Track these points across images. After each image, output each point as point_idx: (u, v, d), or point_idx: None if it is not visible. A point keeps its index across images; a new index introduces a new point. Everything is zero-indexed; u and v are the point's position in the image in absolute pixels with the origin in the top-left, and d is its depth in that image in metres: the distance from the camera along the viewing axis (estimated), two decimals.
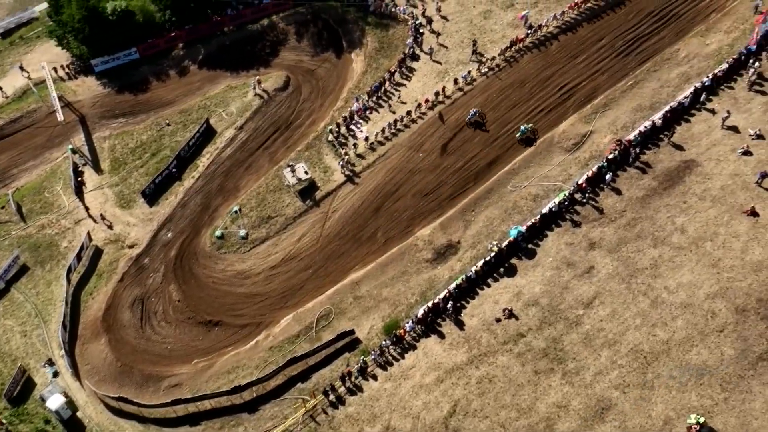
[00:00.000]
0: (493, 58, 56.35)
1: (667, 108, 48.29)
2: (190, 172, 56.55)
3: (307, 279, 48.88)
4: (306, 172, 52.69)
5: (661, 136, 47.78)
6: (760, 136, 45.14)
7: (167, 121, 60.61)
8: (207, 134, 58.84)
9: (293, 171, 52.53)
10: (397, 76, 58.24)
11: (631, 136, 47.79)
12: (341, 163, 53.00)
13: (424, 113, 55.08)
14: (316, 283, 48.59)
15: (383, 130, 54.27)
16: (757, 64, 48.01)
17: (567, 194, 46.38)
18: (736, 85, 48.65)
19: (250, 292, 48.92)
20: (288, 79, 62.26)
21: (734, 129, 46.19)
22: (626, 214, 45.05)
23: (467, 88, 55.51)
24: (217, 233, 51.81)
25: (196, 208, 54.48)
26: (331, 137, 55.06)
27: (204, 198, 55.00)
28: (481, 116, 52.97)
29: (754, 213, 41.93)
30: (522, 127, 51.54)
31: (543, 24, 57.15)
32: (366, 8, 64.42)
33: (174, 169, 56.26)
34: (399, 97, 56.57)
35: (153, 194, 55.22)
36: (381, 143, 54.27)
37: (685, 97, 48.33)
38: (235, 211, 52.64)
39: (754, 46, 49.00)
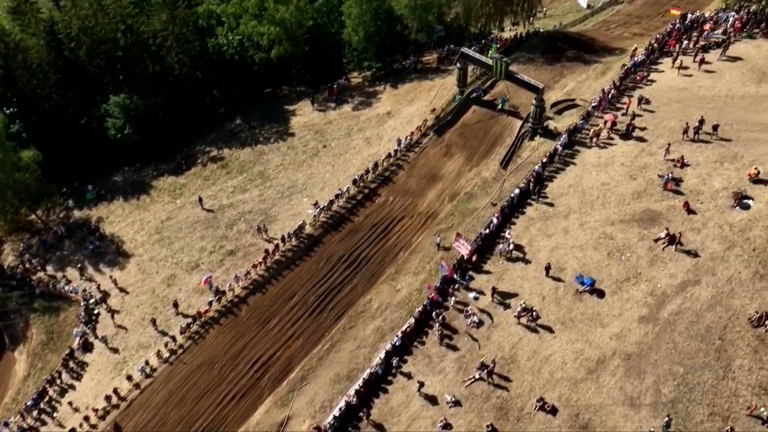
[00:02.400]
0: (174, 338, 48.88)
1: (360, 381, 43.06)
2: None
3: None
4: None
5: (360, 414, 42.07)
6: (457, 403, 40.83)
7: None
8: None
9: None
10: (65, 376, 48.47)
11: (328, 421, 41.58)
12: None
13: (95, 426, 45.28)
14: None
15: None
16: (441, 316, 44.98)
17: None
18: (427, 339, 44.98)
19: None
20: None
21: (432, 398, 41.61)
22: None
23: (146, 382, 47.00)
24: None
25: None
26: None
27: None
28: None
29: None
30: (501, 98, 59.37)
31: (229, 287, 51.31)
32: (32, 291, 54.93)
33: None
34: (71, 405, 46.55)
35: None
36: None
37: (378, 365, 43.58)
38: None
39: (440, 299, 46.34)
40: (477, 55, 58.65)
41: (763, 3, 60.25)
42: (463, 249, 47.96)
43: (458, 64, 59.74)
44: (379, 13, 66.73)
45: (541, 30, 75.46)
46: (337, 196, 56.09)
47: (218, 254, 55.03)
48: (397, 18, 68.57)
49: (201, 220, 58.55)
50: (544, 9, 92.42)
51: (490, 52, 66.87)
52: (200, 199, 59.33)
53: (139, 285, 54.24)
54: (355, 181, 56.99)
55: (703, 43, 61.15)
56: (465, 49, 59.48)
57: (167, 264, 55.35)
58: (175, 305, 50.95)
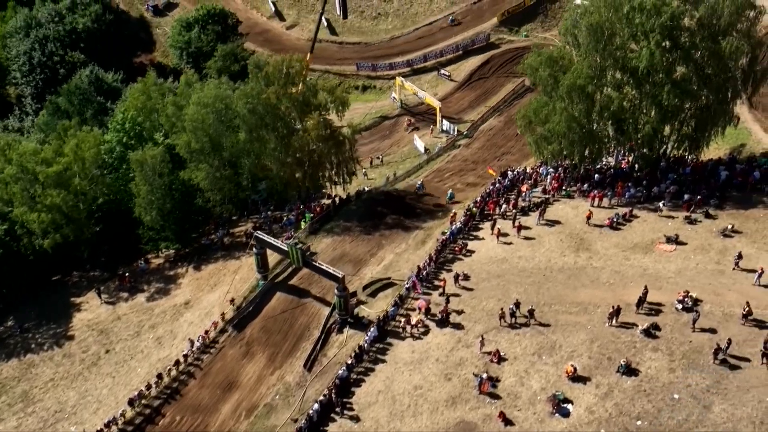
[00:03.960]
0: None
1: None
2: None
3: None
4: None
5: None
6: None
7: None
8: None
9: None
10: None
11: None
12: None
13: None
14: None
15: None
16: None
17: None
18: None
19: None
20: None
21: None
22: None
23: None
24: None
25: None
26: None
27: None
28: None
29: None
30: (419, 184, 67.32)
31: None
32: None
33: None
34: None
35: None
36: None
37: None
38: None
39: None
40: (271, 240, 51.65)
41: (575, 160, 57.84)
42: None
43: (255, 249, 52.65)
44: (174, 188, 59.52)
45: (366, 189, 70.45)
46: (108, 423, 45.80)
47: None
48: (198, 190, 61.64)
49: None
50: (382, 156, 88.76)
51: (303, 222, 61.07)
52: None
53: None
54: (131, 402, 47.06)
55: (523, 204, 57.68)
56: (259, 233, 52.50)
57: None
58: None
